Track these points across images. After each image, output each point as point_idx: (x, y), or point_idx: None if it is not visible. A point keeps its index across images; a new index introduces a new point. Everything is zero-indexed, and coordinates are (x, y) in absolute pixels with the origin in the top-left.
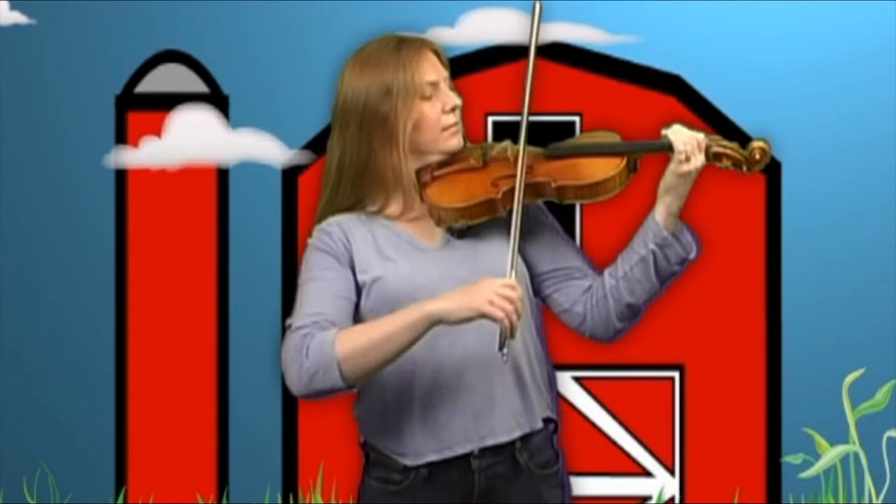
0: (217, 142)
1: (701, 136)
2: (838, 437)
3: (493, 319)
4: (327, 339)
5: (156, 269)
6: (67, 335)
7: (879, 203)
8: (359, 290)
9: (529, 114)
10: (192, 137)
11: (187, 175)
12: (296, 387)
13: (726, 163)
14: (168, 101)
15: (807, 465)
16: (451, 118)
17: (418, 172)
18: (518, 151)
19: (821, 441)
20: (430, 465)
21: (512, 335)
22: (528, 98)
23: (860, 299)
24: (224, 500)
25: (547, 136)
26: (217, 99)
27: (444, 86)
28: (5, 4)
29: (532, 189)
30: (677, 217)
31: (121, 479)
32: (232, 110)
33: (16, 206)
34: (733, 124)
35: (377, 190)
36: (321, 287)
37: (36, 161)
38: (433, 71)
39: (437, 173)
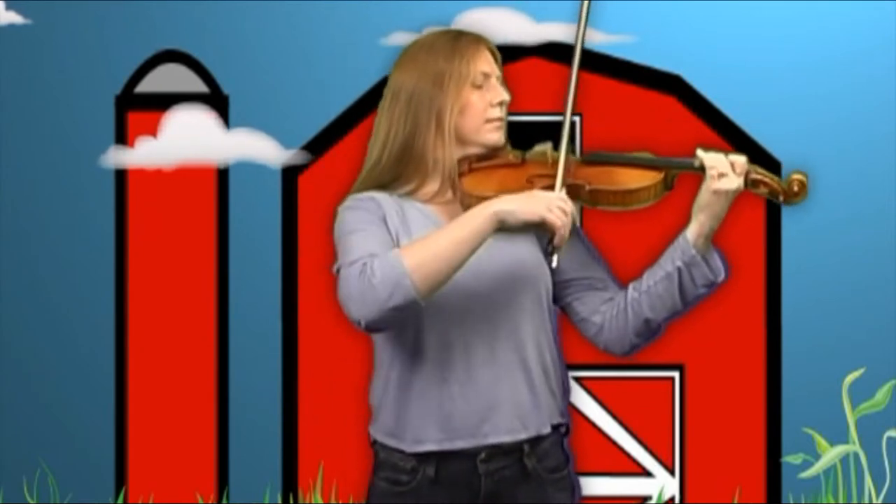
0: (213, 142)
1: (742, 159)
2: (838, 437)
3: (551, 227)
4: (390, 256)
5: (156, 269)
6: (67, 335)
7: (879, 203)
8: None
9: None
10: (187, 137)
11: (187, 175)
12: (366, 311)
13: (763, 190)
14: (168, 102)
15: (807, 465)
16: (498, 112)
17: (457, 163)
18: (557, 156)
19: (821, 441)
20: (437, 460)
21: (560, 245)
22: (573, 99)
23: (860, 299)
24: (224, 500)
25: (547, 137)
26: (217, 99)
27: (496, 81)
28: (1, 4)
29: (567, 191)
30: (710, 240)
31: (121, 479)
32: (232, 110)
33: (16, 207)
34: (733, 124)
35: (415, 170)
36: (367, 234)
37: (36, 162)
38: (487, 64)
39: (474, 166)
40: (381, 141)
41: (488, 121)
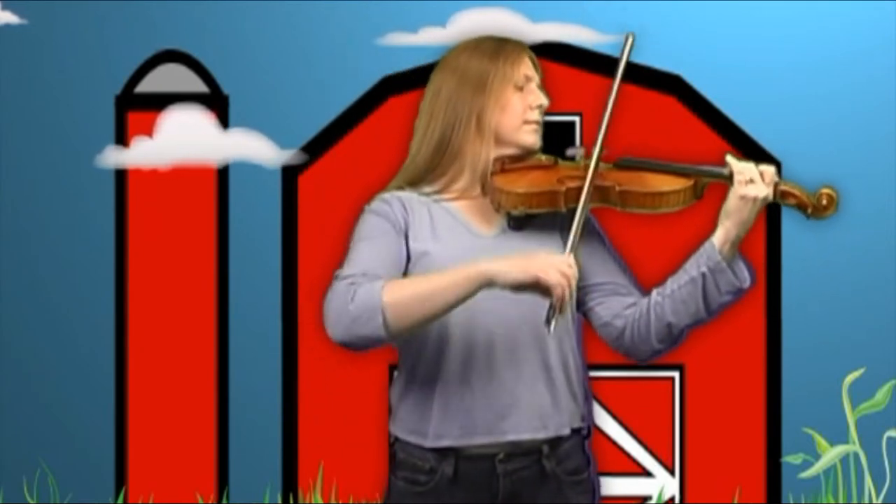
0: (210, 142)
1: (771, 169)
2: (838, 437)
3: (546, 288)
4: (375, 286)
5: (155, 270)
6: (67, 335)
7: (879, 203)
8: (409, 257)
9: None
10: (185, 137)
11: (186, 175)
12: (336, 330)
13: (791, 202)
14: (168, 102)
15: (807, 465)
16: (536, 115)
17: (492, 162)
18: (589, 161)
19: (821, 441)
20: (456, 459)
21: (561, 309)
22: (611, 108)
23: (860, 299)
24: (224, 500)
25: (547, 137)
26: (217, 99)
27: (535, 86)
28: None
29: (597, 192)
30: (736, 247)
31: (121, 479)
32: (232, 111)
33: (15, 207)
34: (733, 124)
35: (449, 164)
36: (374, 246)
37: (36, 162)
38: (529, 69)
39: (507, 166)
40: (419, 136)
41: (526, 122)
